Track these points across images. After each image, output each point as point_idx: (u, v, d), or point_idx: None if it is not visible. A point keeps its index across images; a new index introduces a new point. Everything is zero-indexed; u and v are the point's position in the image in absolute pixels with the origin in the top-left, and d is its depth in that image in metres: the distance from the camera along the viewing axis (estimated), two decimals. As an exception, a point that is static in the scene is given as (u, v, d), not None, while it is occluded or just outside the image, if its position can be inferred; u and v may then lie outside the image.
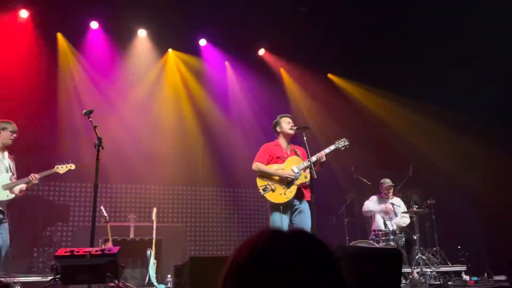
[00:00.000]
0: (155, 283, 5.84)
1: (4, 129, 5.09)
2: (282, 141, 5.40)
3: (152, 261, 6.04)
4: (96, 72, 8.84)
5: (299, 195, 5.09)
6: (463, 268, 7.87)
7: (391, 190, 7.57)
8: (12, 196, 4.97)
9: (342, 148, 5.31)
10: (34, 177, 5.04)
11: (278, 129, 5.44)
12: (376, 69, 9.22)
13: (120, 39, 8.95)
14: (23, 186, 5.06)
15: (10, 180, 5.03)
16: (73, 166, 5.31)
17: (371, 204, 7.58)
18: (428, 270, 6.68)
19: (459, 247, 8.77)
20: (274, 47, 9.93)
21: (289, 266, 0.84)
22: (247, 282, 0.85)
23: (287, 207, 5.04)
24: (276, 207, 5.05)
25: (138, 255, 6.39)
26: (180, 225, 8.97)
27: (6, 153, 5.18)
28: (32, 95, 7.91)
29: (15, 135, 5.15)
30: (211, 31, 9.37)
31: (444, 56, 8.55)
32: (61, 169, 5.27)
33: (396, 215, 7.28)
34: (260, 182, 5.11)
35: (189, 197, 9.53)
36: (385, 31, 8.91)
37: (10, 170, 5.12)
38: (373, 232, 7.24)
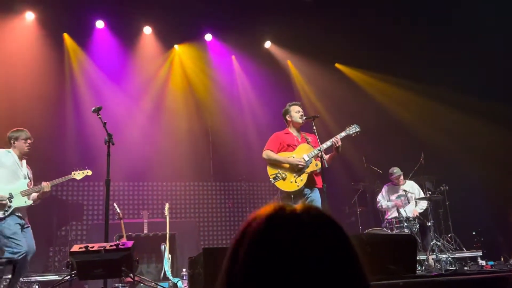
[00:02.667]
0: (170, 277, 5.87)
1: (17, 138, 5.17)
2: (292, 129, 5.37)
3: (167, 256, 6.07)
4: (104, 71, 8.89)
5: (310, 183, 5.05)
6: (479, 253, 7.82)
7: (401, 178, 7.54)
8: (30, 202, 5.08)
9: (353, 135, 5.26)
10: (46, 185, 5.12)
11: (288, 117, 5.39)
12: (384, 56, 9.16)
13: (126, 37, 8.99)
14: (34, 194, 5.14)
15: (28, 186, 5.11)
16: (89, 172, 5.47)
17: (383, 200, 7.57)
18: (444, 256, 6.64)
19: (474, 232, 8.70)
20: (280, 39, 9.89)
21: (299, 246, 0.78)
22: (256, 268, 0.78)
23: (298, 196, 5.00)
24: (287, 197, 5.02)
25: (153, 250, 6.43)
26: (193, 219, 9.00)
27: (24, 161, 5.26)
28: (41, 97, 7.97)
29: (29, 141, 5.22)
30: (216, 25, 9.35)
31: (457, 40, 8.46)
32: (78, 175, 5.42)
33: (409, 201, 7.23)
34: (271, 171, 5.08)
35: (201, 192, 9.55)
36: (392, 16, 8.83)
37: (28, 177, 5.21)
38: (386, 220, 7.21)
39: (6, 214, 4.85)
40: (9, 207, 4.89)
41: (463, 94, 8.45)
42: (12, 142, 5.19)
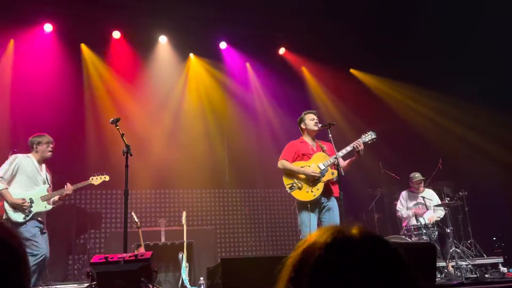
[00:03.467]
0: (188, 286, 5.89)
1: (39, 143, 5.26)
2: (307, 138, 5.36)
3: (184, 265, 6.10)
4: (121, 80, 9.00)
5: (327, 192, 5.04)
6: (500, 259, 7.68)
7: (422, 184, 7.46)
8: (50, 207, 5.16)
9: (369, 142, 5.22)
10: (69, 187, 5.20)
11: (302, 125, 5.39)
12: (399, 62, 9.11)
13: (142, 46, 9.09)
14: (56, 197, 5.23)
15: (48, 191, 5.19)
16: (107, 178, 5.53)
17: (403, 209, 7.48)
18: (464, 263, 6.55)
19: (494, 238, 8.56)
20: (294, 45, 9.90)
21: (363, 271, 0.82)
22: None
23: (315, 205, 4.99)
24: (303, 205, 5.01)
25: (170, 259, 6.46)
26: (210, 227, 9.03)
27: (43, 166, 5.35)
28: (60, 107, 8.11)
29: (51, 145, 5.31)
30: (231, 33, 9.41)
31: (473, 46, 8.38)
32: (96, 180, 5.49)
33: (427, 208, 7.16)
34: (287, 180, 5.09)
35: (217, 199, 9.58)
36: (408, 22, 8.79)
37: (47, 182, 5.29)
38: (405, 227, 7.14)
39: (26, 219, 4.96)
40: (30, 212, 4.99)
41: (482, 98, 8.34)
42: (34, 147, 5.27)
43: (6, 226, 0.82)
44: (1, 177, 5.01)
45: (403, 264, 0.86)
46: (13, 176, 5.09)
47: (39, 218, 5.09)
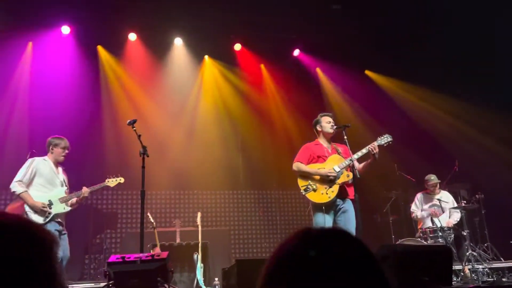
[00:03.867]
0: (203, 287, 5.93)
1: (56, 145, 5.33)
2: (322, 140, 5.35)
3: (199, 265, 6.14)
4: (137, 82, 9.11)
5: (342, 194, 5.03)
6: (518, 263, 7.57)
7: (437, 187, 7.39)
8: (68, 209, 5.24)
9: (385, 145, 5.20)
10: (86, 190, 5.28)
11: (318, 128, 5.39)
12: (415, 64, 9.05)
13: (157, 48, 9.18)
14: (74, 199, 5.31)
15: (65, 193, 5.28)
16: (122, 180, 5.60)
17: (418, 210, 7.42)
18: (480, 266, 6.47)
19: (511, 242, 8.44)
20: (309, 47, 9.89)
21: (323, 268, 0.81)
22: (278, 282, 0.83)
23: (330, 207, 4.99)
24: (318, 207, 5.00)
25: (186, 260, 6.51)
26: (224, 228, 9.06)
27: (60, 168, 5.43)
28: (78, 108, 8.24)
29: (66, 151, 5.39)
30: (245, 35, 9.45)
31: (489, 50, 8.29)
32: (111, 182, 5.57)
33: (443, 211, 7.09)
34: (301, 182, 5.08)
35: (232, 200, 9.63)
36: (423, 23, 8.73)
37: (65, 184, 5.37)
38: (420, 230, 7.08)
39: (46, 221, 5.04)
40: (49, 213, 5.07)
41: (499, 102, 8.24)
42: (51, 148, 5.35)
43: (37, 224, 0.85)
44: (20, 181, 5.09)
45: (366, 255, 0.85)
46: (31, 179, 5.17)
47: (58, 220, 5.18)
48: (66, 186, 5.40)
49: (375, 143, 5.10)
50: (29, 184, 5.16)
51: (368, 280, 0.81)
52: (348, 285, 0.79)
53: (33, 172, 5.18)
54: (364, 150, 4.99)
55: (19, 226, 0.80)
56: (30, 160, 5.29)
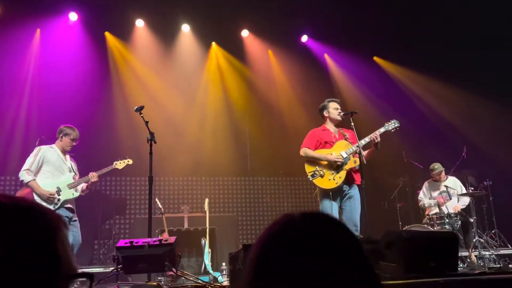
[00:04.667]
0: (211, 271, 6.00)
1: (66, 135, 5.37)
2: (329, 125, 5.34)
3: (207, 250, 6.20)
4: (146, 68, 9.12)
5: (349, 180, 5.03)
6: (525, 250, 7.56)
7: (442, 174, 7.37)
8: (77, 194, 5.30)
9: (392, 130, 5.20)
10: (93, 175, 5.32)
11: (325, 113, 5.37)
12: (423, 50, 8.97)
13: (165, 35, 9.17)
14: (83, 185, 5.36)
15: (74, 179, 5.34)
16: (130, 161, 5.61)
17: (425, 198, 7.42)
18: (487, 253, 6.48)
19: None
20: (317, 33, 9.82)
21: (304, 252, 0.80)
22: (263, 269, 0.82)
23: (337, 193, 5.00)
24: (325, 193, 5.02)
25: (193, 245, 6.57)
26: (232, 214, 9.12)
27: (68, 155, 5.49)
28: (86, 94, 8.27)
29: (74, 143, 5.43)
30: (253, 21, 9.39)
31: (498, 37, 8.20)
32: (119, 164, 5.56)
33: (450, 197, 7.08)
34: (309, 168, 5.09)
35: (239, 187, 9.67)
36: (433, 12, 8.63)
37: (73, 170, 5.43)
38: (427, 216, 7.08)
39: (55, 207, 5.11)
40: (58, 200, 5.14)
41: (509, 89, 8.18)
42: (61, 136, 5.38)
43: (41, 205, 0.84)
44: (28, 169, 5.13)
45: (349, 238, 0.84)
46: (39, 167, 5.22)
47: (68, 206, 5.23)
48: (74, 172, 5.45)
49: (377, 132, 5.09)
50: (37, 172, 5.21)
51: (352, 264, 0.81)
52: (331, 269, 0.78)
53: (40, 160, 5.22)
54: (366, 139, 4.97)
55: (20, 206, 0.78)
56: (37, 148, 5.34)
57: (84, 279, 0.85)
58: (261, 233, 0.90)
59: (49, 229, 0.80)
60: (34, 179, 5.13)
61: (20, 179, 5.18)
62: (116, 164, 5.55)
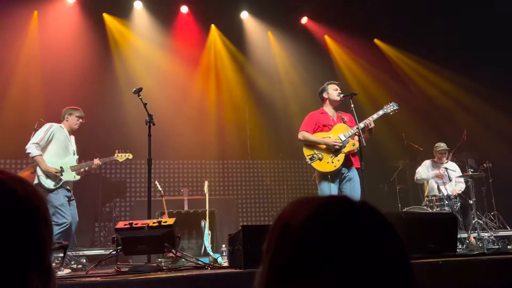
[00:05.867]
0: (211, 253, 6.04)
1: (70, 114, 5.43)
2: (328, 108, 5.31)
3: (207, 232, 6.23)
4: (144, 50, 9.04)
5: (347, 163, 5.03)
6: (524, 232, 7.61)
7: (445, 155, 7.35)
8: (78, 177, 5.35)
9: (391, 113, 5.18)
10: (96, 162, 5.45)
11: (324, 95, 5.34)
12: (425, 32, 8.90)
13: (164, 16, 9.07)
14: (82, 169, 5.41)
15: (76, 162, 5.36)
16: (130, 156, 5.94)
17: (423, 171, 7.40)
18: (486, 234, 6.51)
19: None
20: (317, 14, 9.72)
21: (354, 238, 0.73)
22: (305, 249, 0.73)
23: (336, 176, 5.00)
24: (324, 176, 5.02)
25: (193, 227, 6.60)
26: (231, 197, 9.15)
27: (73, 137, 5.52)
28: (85, 77, 8.20)
29: (81, 120, 5.47)
30: (252, 2, 9.29)
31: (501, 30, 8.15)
32: (120, 157, 5.88)
33: (450, 179, 7.08)
34: (307, 151, 5.08)
35: (239, 170, 9.68)
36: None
37: (76, 153, 5.46)
38: (426, 198, 7.10)
39: (57, 186, 5.14)
40: (60, 179, 5.15)
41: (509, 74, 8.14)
42: (66, 117, 5.43)
43: (30, 184, 0.83)
44: (37, 143, 5.16)
45: (400, 253, 0.77)
46: (47, 144, 5.25)
47: (67, 187, 5.28)
48: (77, 155, 5.50)
49: (381, 112, 5.11)
50: (44, 148, 5.23)
51: (393, 263, 0.75)
52: (368, 267, 0.72)
53: (50, 137, 5.26)
54: (361, 125, 4.93)
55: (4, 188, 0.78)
56: (48, 124, 5.36)
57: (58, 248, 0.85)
58: (286, 211, 0.80)
59: (30, 209, 0.79)
60: (41, 154, 5.16)
61: (27, 152, 5.18)
62: (117, 155, 5.86)
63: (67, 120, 5.43)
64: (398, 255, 0.76)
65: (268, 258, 0.78)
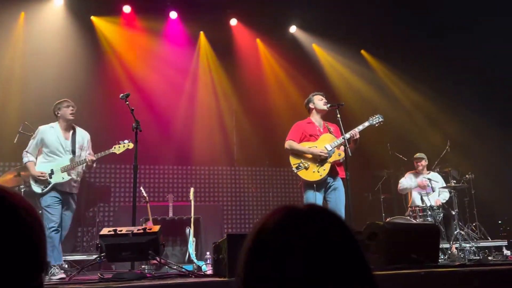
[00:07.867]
0: (195, 260, 6.01)
1: (59, 108, 5.27)
2: (314, 118, 5.37)
3: (191, 239, 6.21)
4: (131, 55, 9.00)
5: (332, 172, 5.08)
6: (504, 243, 7.73)
7: (423, 163, 7.42)
8: (68, 178, 5.16)
9: (376, 125, 5.25)
10: (89, 158, 5.24)
11: (310, 105, 5.39)
12: (409, 48, 9.05)
13: (153, 21, 9.05)
14: (79, 168, 5.31)
15: (70, 161, 5.22)
16: (131, 145, 5.18)
17: (406, 181, 7.48)
18: (467, 245, 6.59)
19: (500, 221, 8.59)
20: (306, 24, 9.79)
21: (303, 245, 0.79)
22: (258, 262, 0.81)
23: (321, 185, 5.04)
24: (309, 185, 5.06)
25: (178, 234, 6.58)
26: (217, 204, 9.13)
27: (77, 133, 5.38)
28: (72, 81, 8.11)
29: (71, 108, 5.28)
30: (241, 10, 9.32)
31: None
32: (118, 149, 5.24)
33: (433, 190, 7.17)
34: (293, 160, 5.12)
35: (225, 177, 9.66)
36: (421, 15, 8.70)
37: (74, 151, 5.30)
38: (410, 208, 7.17)
39: (44, 190, 5.05)
40: (49, 183, 5.08)
41: (493, 86, 8.30)
42: (56, 113, 5.28)
43: (25, 200, 0.84)
44: (26, 151, 5.21)
45: (350, 235, 0.84)
46: (39, 149, 5.23)
47: (59, 189, 5.12)
48: (81, 150, 5.34)
49: (366, 123, 5.19)
50: (39, 153, 5.23)
51: (350, 261, 0.81)
52: (329, 264, 0.78)
53: (38, 142, 5.21)
54: (347, 135, 4.99)
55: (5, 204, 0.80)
56: (37, 130, 5.31)
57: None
58: (260, 221, 0.87)
59: (31, 230, 0.82)
60: (30, 161, 5.16)
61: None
62: (115, 148, 5.24)
63: (59, 115, 5.27)
64: (356, 261, 0.81)
65: (240, 265, 0.85)
